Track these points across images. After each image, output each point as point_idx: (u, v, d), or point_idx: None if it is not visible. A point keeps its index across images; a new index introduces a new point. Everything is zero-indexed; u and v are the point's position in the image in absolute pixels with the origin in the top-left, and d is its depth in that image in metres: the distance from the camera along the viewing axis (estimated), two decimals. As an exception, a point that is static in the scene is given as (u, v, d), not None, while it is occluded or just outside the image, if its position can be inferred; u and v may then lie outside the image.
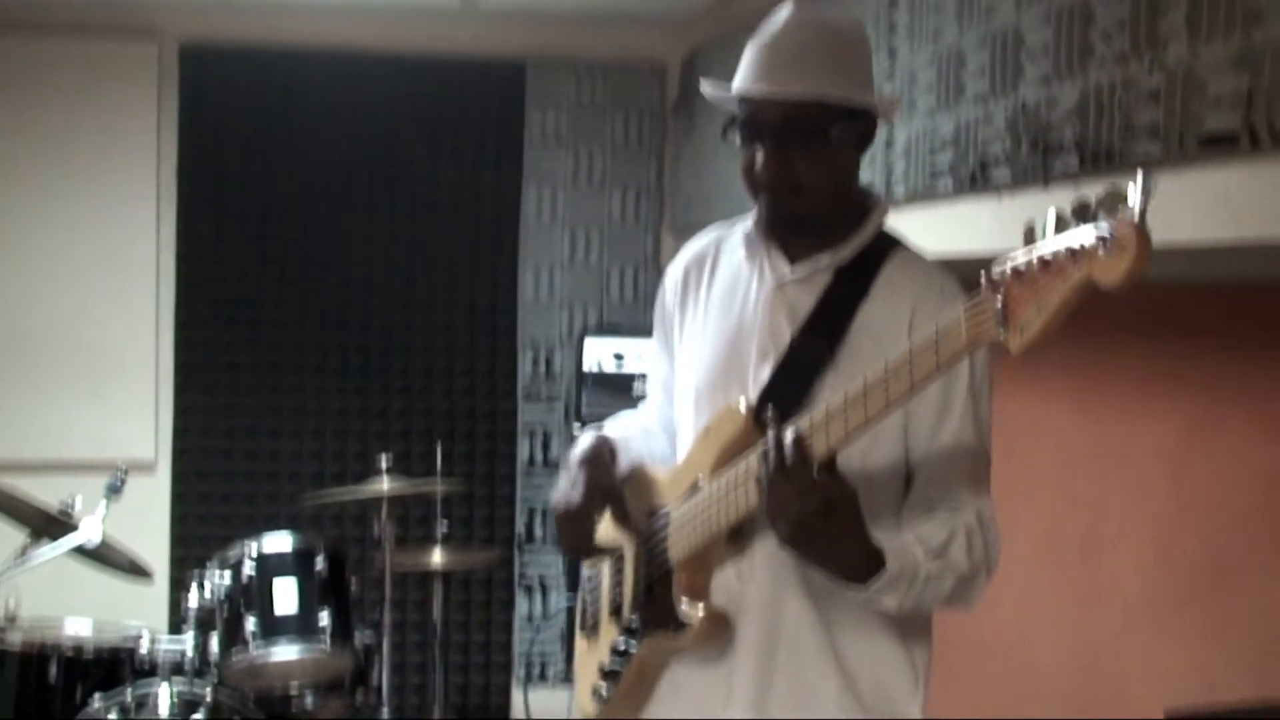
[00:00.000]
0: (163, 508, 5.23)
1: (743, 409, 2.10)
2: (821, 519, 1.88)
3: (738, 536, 2.11)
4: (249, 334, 5.29)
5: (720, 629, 2.11)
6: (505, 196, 5.41)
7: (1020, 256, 1.66)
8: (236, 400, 5.29)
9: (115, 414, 5.21)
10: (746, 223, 2.27)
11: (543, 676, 5.42)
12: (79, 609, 4.23)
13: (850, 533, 1.93)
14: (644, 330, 2.52)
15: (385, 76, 5.31)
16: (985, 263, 1.73)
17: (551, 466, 5.41)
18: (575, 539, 2.31)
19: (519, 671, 5.45)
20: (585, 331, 5.25)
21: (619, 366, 5.07)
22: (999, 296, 1.67)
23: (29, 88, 5.15)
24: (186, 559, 5.12)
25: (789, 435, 1.90)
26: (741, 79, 2.15)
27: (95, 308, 5.19)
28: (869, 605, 2.02)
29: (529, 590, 5.45)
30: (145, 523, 4.98)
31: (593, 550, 2.33)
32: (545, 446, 5.44)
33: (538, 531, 5.44)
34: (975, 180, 2.91)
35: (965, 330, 1.75)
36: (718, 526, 2.09)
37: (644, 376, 4.90)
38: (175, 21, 5.21)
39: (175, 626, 4.87)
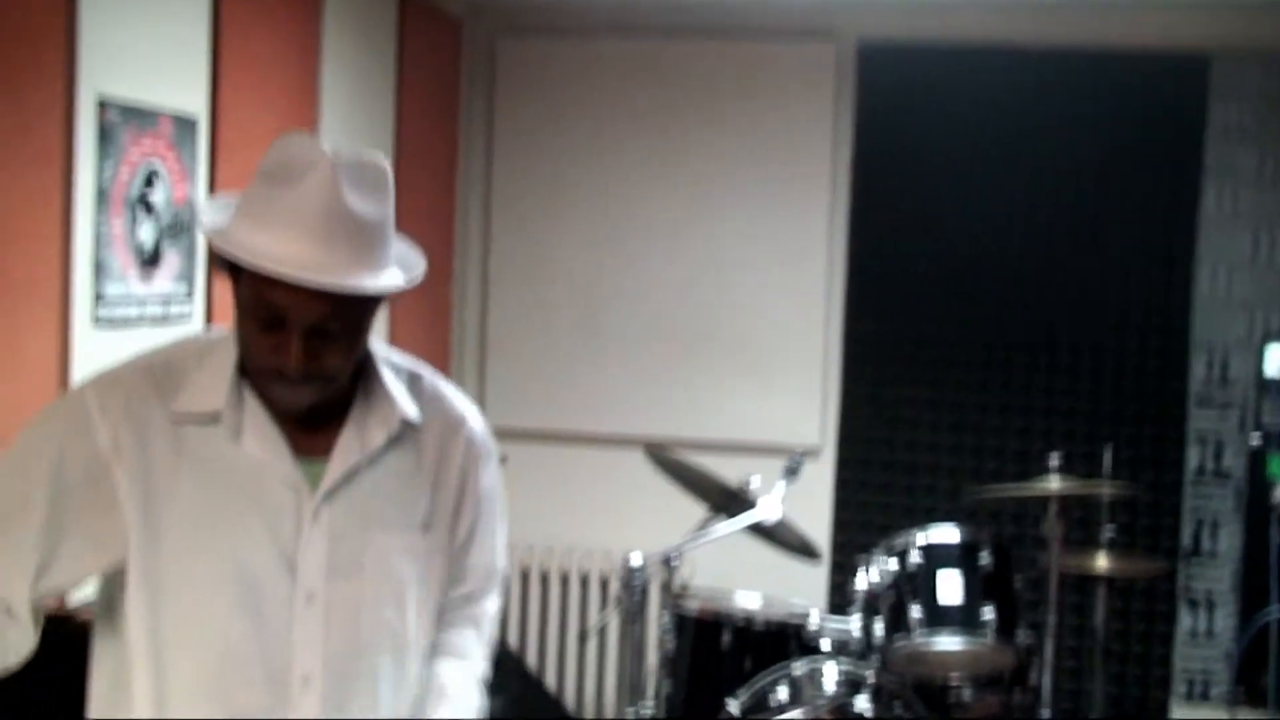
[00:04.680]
0: (826, 492, 5.41)
1: None
2: None
3: None
4: (915, 327, 5.36)
5: None
6: (1183, 193, 5.18)
7: None
8: (900, 391, 5.38)
9: (785, 400, 5.44)
10: None
11: (1204, 695, 5.16)
12: (740, 582, 4.45)
13: None
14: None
15: (1061, 71, 5.22)
16: None
17: (1223, 476, 5.14)
18: None
19: (1178, 688, 5.22)
20: (1267, 336, 4.94)
21: (1307, 375, 4.74)
22: None
23: (712, 89, 5.46)
24: (845, 543, 5.30)
25: None
26: None
27: (770, 298, 5.44)
28: None
29: (1193, 605, 5.21)
30: (809, 506, 5.17)
31: None
32: (1217, 456, 5.18)
33: (1205, 544, 5.19)
34: None
35: None
36: None
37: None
38: (854, 21, 5.36)
39: (833, 607, 5.04)
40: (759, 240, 5.45)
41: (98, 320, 3.20)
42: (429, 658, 2.12)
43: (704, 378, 5.49)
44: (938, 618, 3.92)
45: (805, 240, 5.41)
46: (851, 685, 3.85)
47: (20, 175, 2.93)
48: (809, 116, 5.40)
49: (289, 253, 1.81)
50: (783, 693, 3.82)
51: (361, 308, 1.91)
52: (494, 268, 5.63)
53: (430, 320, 5.31)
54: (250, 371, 1.94)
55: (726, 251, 5.47)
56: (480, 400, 5.57)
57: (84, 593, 2.06)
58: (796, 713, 2.96)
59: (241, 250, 1.82)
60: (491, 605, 2.22)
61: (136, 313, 3.37)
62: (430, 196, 5.25)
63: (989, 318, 5.31)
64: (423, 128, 5.13)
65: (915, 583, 3.97)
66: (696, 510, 4.30)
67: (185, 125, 3.53)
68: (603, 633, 5.46)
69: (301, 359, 1.87)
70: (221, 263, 1.89)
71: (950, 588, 3.96)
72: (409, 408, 2.05)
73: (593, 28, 5.53)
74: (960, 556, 4.00)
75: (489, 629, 2.23)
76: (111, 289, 3.25)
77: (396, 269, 1.94)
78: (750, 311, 5.46)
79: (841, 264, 5.41)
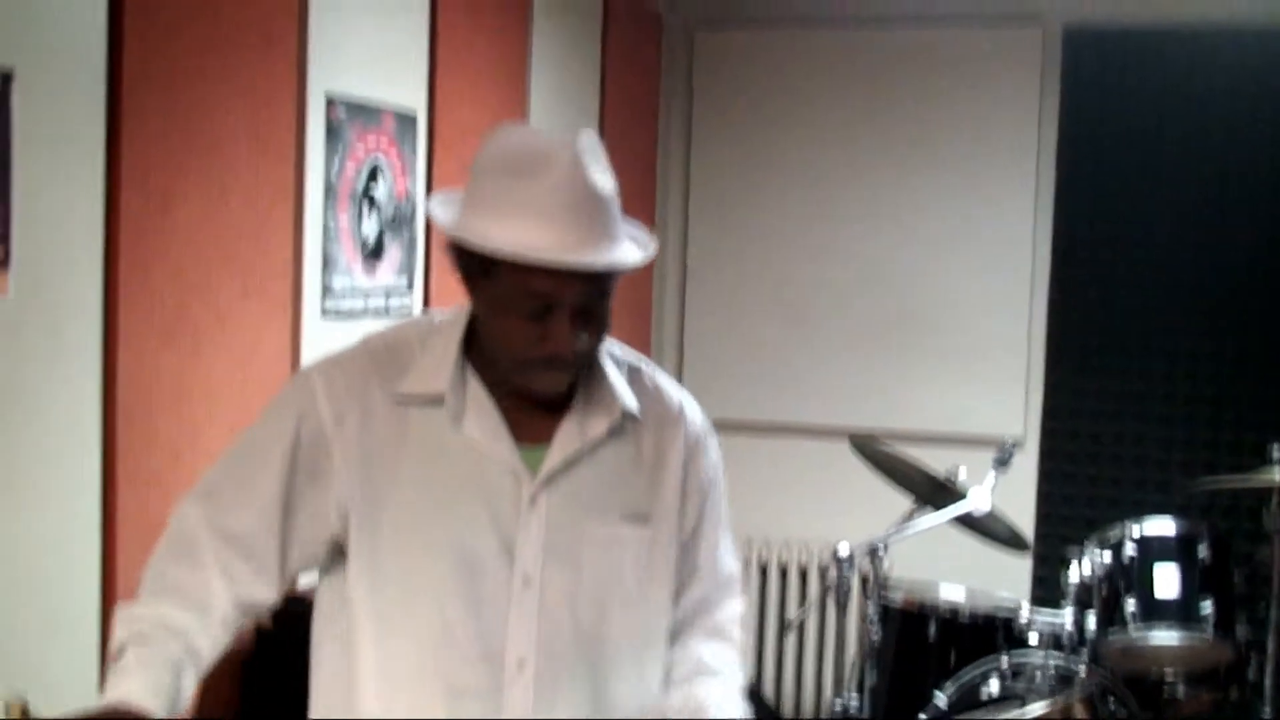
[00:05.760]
0: (1029, 484, 5.32)
1: None
2: None
3: None
4: (1121, 317, 5.25)
5: None
6: None
7: None
8: (1106, 383, 5.28)
9: (988, 390, 5.38)
10: None
11: None
12: (937, 574, 4.42)
13: None
14: None
15: (1273, 53, 5.06)
16: None
17: None
18: None
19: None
20: None
21: None
22: None
23: (914, 76, 5.44)
24: (1048, 536, 5.22)
25: None
26: None
27: (972, 286, 5.39)
28: None
29: None
30: (1012, 497, 5.10)
31: None
32: None
33: None
34: None
35: None
36: None
37: None
38: (1060, 6, 5.28)
39: (1036, 600, 4.96)
40: (962, 229, 5.39)
41: (325, 312, 3.31)
42: (680, 676, 2.11)
43: (904, 368, 5.46)
44: (1154, 611, 3.85)
45: (1009, 229, 5.35)
46: (1062, 680, 3.80)
47: (260, 172, 3.04)
48: (1013, 103, 5.33)
49: (554, 240, 1.84)
50: (994, 686, 3.78)
51: (613, 284, 1.94)
52: (693, 258, 5.67)
53: (630, 311, 5.37)
54: (508, 364, 1.95)
55: (929, 241, 5.42)
56: (679, 391, 5.61)
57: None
58: (1039, 705, 2.92)
59: (504, 244, 1.84)
60: (735, 611, 2.19)
61: (361, 305, 3.47)
62: (631, 188, 5.28)
63: (1199, 306, 5.18)
64: (625, 120, 5.20)
65: (1130, 576, 3.90)
66: (893, 501, 4.27)
67: (406, 121, 3.62)
68: (801, 625, 5.46)
69: (574, 342, 1.90)
70: (466, 262, 1.91)
71: (1167, 581, 3.88)
72: (630, 399, 2.06)
73: (791, 18, 5.53)
74: (1178, 549, 3.92)
75: (739, 638, 2.19)
76: (338, 281, 3.36)
77: (630, 241, 1.97)
78: (952, 301, 5.41)
79: (1046, 252, 5.33)
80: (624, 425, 2.05)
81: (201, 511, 1.96)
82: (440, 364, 1.98)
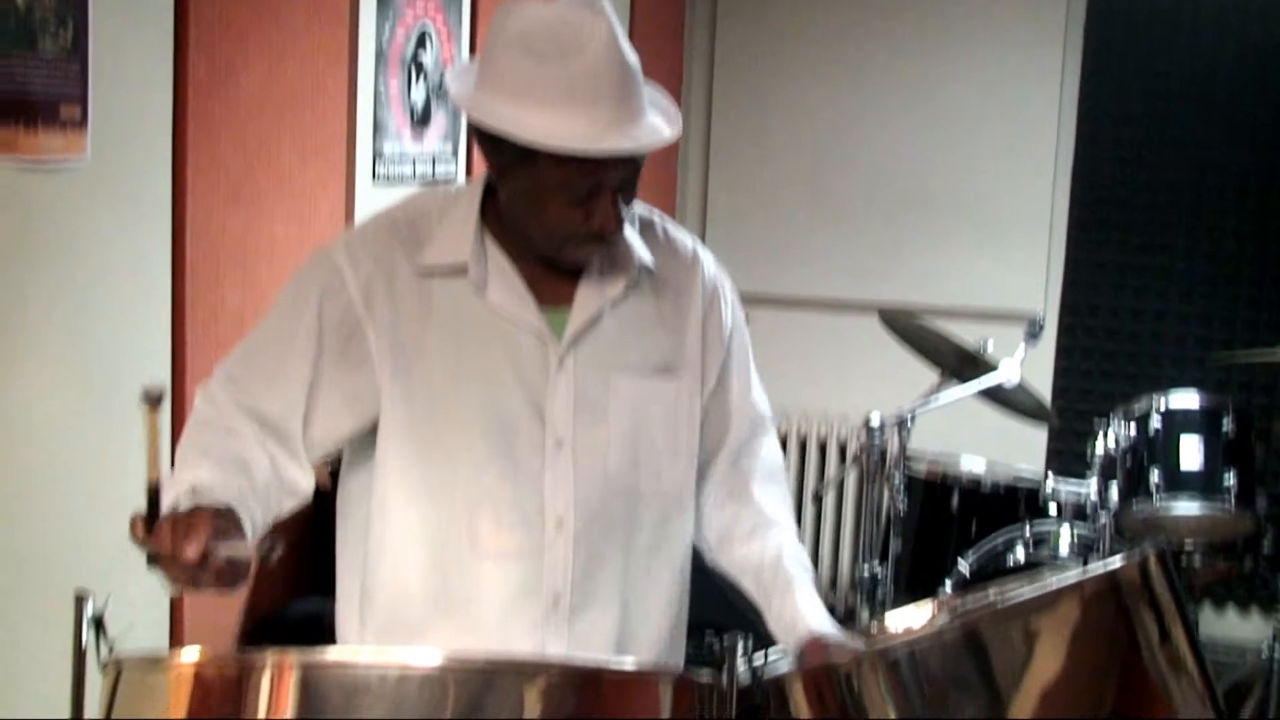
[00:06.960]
0: (1047, 358, 5.37)
1: None
2: None
3: None
4: (1143, 193, 5.27)
5: None
6: None
7: None
8: (1127, 258, 5.31)
9: (1008, 265, 5.41)
10: None
11: None
12: (953, 446, 4.48)
13: None
14: None
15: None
16: None
17: None
18: None
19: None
20: None
21: None
22: None
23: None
24: (1065, 409, 5.27)
25: None
26: None
27: (995, 161, 5.39)
28: None
29: None
30: (1028, 370, 5.16)
31: None
32: None
33: None
34: None
35: None
36: None
37: None
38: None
39: (1053, 471, 5.04)
40: (988, 104, 5.38)
41: (376, 177, 3.33)
42: (745, 530, 2.13)
43: (925, 243, 5.48)
44: (1178, 482, 3.90)
45: (1035, 104, 5.34)
46: (1085, 548, 3.88)
47: (315, 37, 3.05)
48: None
49: (597, 126, 1.82)
50: (1019, 553, 3.88)
51: (646, 153, 1.92)
52: (717, 134, 5.66)
53: (654, 188, 5.37)
54: (548, 241, 1.94)
55: (954, 115, 5.41)
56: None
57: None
58: (1115, 558, 2.95)
59: (547, 136, 1.80)
60: (773, 453, 2.20)
61: (409, 170, 3.49)
62: (657, 61, 5.29)
63: (1221, 182, 5.19)
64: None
65: (1155, 447, 3.95)
66: (912, 376, 4.29)
67: (453, -12, 3.62)
68: (820, 497, 5.53)
69: (619, 216, 1.90)
70: (499, 150, 1.87)
71: (1192, 453, 3.94)
72: (645, 253, 2.05)
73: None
74: (1202, 422, 3.97)
75: (783, 478, 2.21)
76: (388, 147, 3.38)
77: (655, 109, 1.93)
78: (975, 176, 5.42)
79: (1071, 127, 5.32)
80: (641, 279, 2.05)
81: (230, 395, 1.93)
82: (461, 234, 1.97)
